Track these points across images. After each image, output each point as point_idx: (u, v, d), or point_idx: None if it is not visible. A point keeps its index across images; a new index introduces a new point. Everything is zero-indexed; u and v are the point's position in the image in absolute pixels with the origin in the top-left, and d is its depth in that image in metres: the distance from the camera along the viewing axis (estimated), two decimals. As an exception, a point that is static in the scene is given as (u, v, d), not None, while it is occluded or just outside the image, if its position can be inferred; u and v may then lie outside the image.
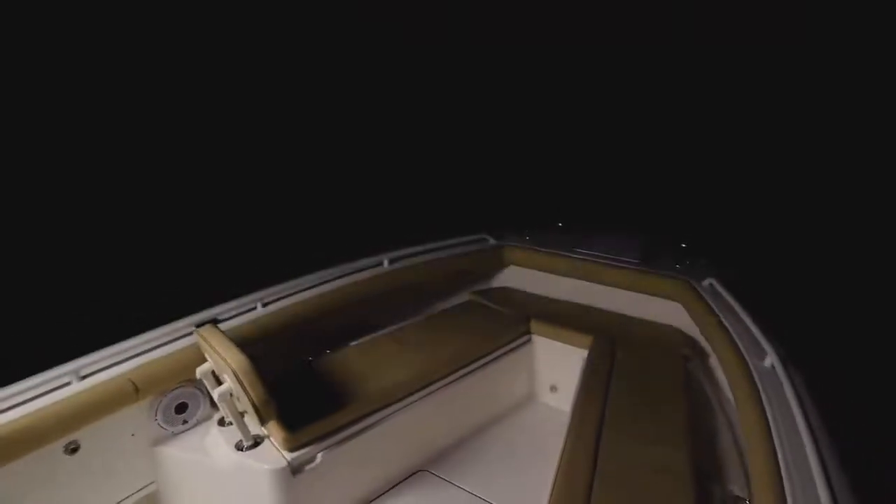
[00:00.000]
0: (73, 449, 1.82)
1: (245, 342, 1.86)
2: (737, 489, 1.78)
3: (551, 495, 1.58)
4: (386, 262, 2.86)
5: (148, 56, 7.35)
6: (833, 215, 6.67)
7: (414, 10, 7.98)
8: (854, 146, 7.29)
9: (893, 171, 6.64)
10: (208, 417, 2.14)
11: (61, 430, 1.76)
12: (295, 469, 1.85)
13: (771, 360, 1.92)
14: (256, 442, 1.93)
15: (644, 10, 8.05)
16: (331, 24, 8.20)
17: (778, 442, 1.57)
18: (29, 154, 6.64)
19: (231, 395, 1.85)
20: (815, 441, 1.50)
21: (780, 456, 1.51)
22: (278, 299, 2.44)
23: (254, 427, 1.95)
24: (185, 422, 2.10)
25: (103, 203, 6.83)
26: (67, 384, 1.83)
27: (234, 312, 2.30)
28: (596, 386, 2.17)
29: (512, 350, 2.67)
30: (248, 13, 7.76)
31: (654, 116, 8.13)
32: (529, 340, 2.76)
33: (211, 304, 2.31)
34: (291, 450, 1.87)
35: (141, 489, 2.02)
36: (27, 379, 1.82)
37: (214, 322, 2.04)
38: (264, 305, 2.38)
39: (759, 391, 1.80)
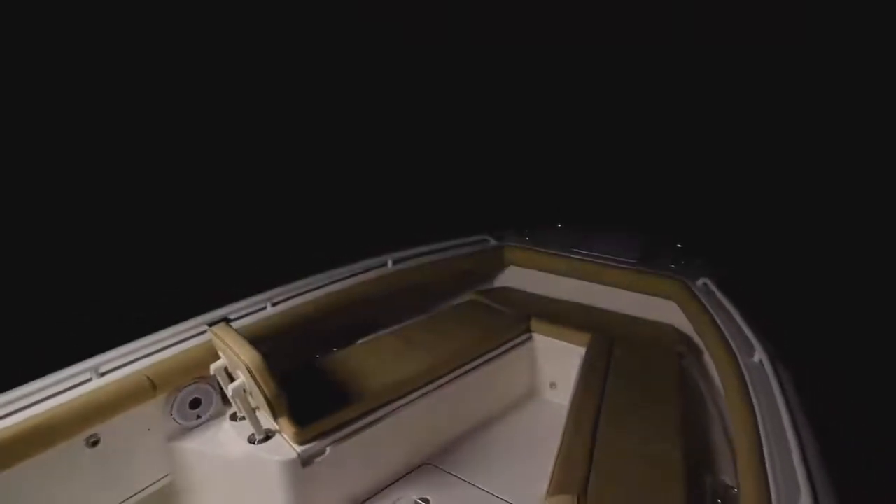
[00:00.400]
0: (94, 442, 1.93)
1: (255, 340, 1.96)
2: (727, 478, 1.90)
3: (549, 486, 1.70)
4: (390, 263, 2.98)
5: (151, 56, 7.43)
6: (828, 216, 6.78)
7: (414, 10, 8.09)
8: (849, 147, 7.41)
9: (888, 173, 6.77)
10: (221, 413, 2.24)
11: (83, 424, 1.87)
12: (305, 461, 1.96)
13: (759, 355, 2.04)
14: (268, 436, 2.04)
15: (644, 10, 8.16)
16: (331, 24, 8.30)
17: (763, 433, 1.68)
18: (30, 155, 6.73)
19: (244, 390, 1.96)
20: (797, 431, 1.62)
21: (764, 445, 1.63)
22: (287, 299, 2.55)
23: (266, 421, 2.07)
24: (198, 417, 2.21)
25: (103, 204, 6.92)
26: (88, 380, 1.95)
27: (244, 312, 2.41)
28: (594, 382, 2.28)
29: (513, 348, 2.79)
30: (248, 13, 7.85)
31: (652, 117, 8.23)
32: (530, 338, 2.87)
33: (211, 304, 2.41)
34: (301, 443, 1.98)
35: (157, 481, 2.13)
36: (50, 375, 1.93)
37: (226, 321, 2.15)
38: (273, 305, 2.50)
39: (747, 386, 1.92)
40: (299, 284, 2.65)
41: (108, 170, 7.05)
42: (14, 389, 1.85)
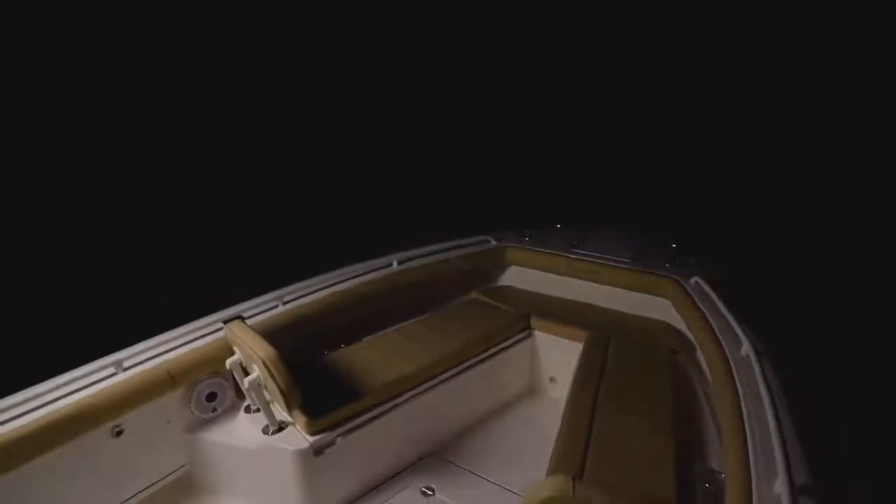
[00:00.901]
0: (118, 432, 2.08)
1: (267, 337, 2.10)
2: (715, 464, 2.06)
3: (548, 468, 1.85)
4: (395, 263, 3.14)
5: (154, 57, 7.56)
6: (819, 218, 6.92)
7: (414, 10, 8.23)
8: (843, 147, 7.55)
9: (882, 173, 6.92)
10: (235, 406, 2.40)
11: (109, 415, 2.02)
12: (317, 451, 2.12)
13: (746, 349, 2.20)
14: (281, 427, 2.20)
15: (644, 10, 8.31)
16: (331, 25, 8.45)
17: (747, 422, 1.84)
18: (34, 156, 6.85)
19: (259, 384, 2.12)
20: (777, 418, 1.78)
21: (748, 433, 1.79)
22: (297, 298, 2.71)
23: (279, 413, 2.23)
24: (214, 409, 2.36)
25: (103, 204, 7.05)
26: (113, 374, 2.10)
27: (257, 310, 2.57)
28: (590, 376, 2.44)
29: (513, 344, 2.95)
30: (249, 14, 7.99)
31: (650, 118, 8.37)
32: (530, 335, 3.04)
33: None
34: (313, 434, 2.13)
35: (175, 471, 2.29)
36: (77, 369, 2.09)
37: (241, 318, 2.30)
38: (284, 303, 2.66)
39: (734, 378, 2.08)
40: (309, 283, 2.81)
41: (108, 171, 7.18)
42: (45, 382, 2.01)
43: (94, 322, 5.18)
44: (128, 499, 2.13)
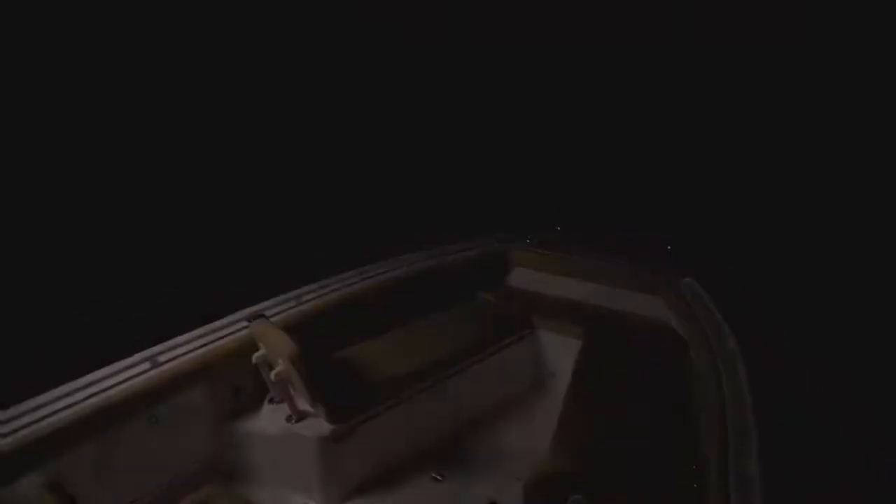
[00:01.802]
0: (155, 420, 2.34)
1: (287, 333, 2.33)
2: (703, 450, 2.33)
3: (549, 448, 2.11)
4: (405, 265, 3.41)
5: (153, 55, 7.74)
6: (824, 217, 7.16)
7: (414, 10, 8.45)
8: (846, 148, 7.80)
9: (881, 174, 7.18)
10: (260, 398, 2.66)
11: (147, 405, 2.28)
12: (336, 438, 2.39)
13: (731, 343, 2.48)
14: (303, 417, 2.46)
15: (644, 10, 8.55)
16: (331, 25, 8.66)
17: (728, 411, 2.11)
18: (33, 155, 7.02)
19: (284, 377, 2.37)
20: (756, 406, 2.06)
21: (728, 422, 2.06)
22: (314, 298, 2.98)
23: (302, 404, 2.49)
24: (240, 401, 2.62)
25: (103, 204, 7.22)
26: (150, 368, 2.35)
27: (278, 308, 2.83)
28: (589, 370, 2.72)
29: (517, 342, 3.23)
30: (249, 14, 8.19)
31: (649, 118, 8.58)
32: (532, 333, 3.31)
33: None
34: (333, 423, 2.40)
35: (206, 457, 2.54)
36: (117, 362, 2.34)
37: (265, 316, 2.56)
38: (302, 303, 2.92)
39: (719, 371, 2.35)
40: (324, 283, 3.08)
41: (108, 171, 7.35)
42: (88, 375, 2.26)
43: (94, 322, 5.35)
44: (162, 483, 2.38)
